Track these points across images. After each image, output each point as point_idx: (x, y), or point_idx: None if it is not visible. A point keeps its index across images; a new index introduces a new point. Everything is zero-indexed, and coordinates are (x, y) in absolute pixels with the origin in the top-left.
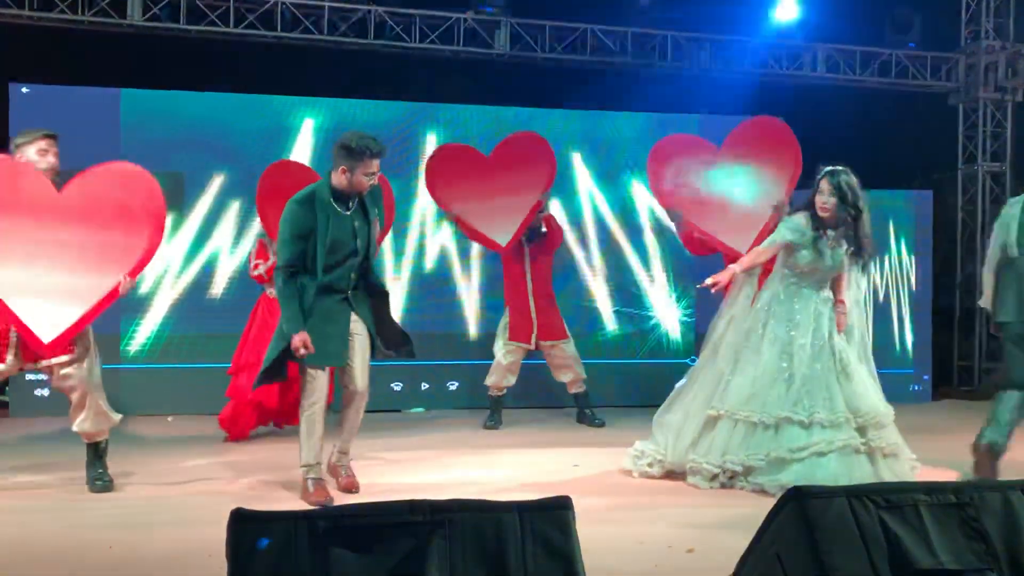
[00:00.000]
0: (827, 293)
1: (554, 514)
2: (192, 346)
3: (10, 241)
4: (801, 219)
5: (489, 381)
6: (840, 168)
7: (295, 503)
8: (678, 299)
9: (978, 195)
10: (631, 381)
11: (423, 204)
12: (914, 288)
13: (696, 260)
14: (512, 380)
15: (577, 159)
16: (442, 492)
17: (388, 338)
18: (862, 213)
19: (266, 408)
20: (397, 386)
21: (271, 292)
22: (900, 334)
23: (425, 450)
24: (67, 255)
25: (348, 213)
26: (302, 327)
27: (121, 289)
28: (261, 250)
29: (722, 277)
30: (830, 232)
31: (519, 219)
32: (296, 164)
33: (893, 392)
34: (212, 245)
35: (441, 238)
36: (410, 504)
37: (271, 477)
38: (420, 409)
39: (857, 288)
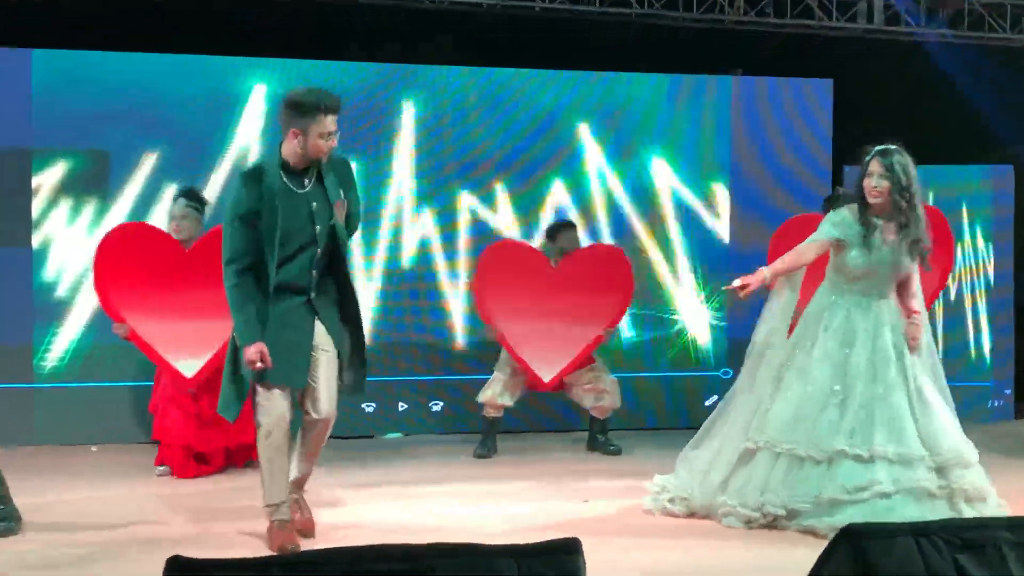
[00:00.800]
0: (891, 301)
1: (559, 560)
2: (121, 360)
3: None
4: (846, 212)
5: (483, 397)
6: (892, 147)
7: (247, 548)
8: (708, 299)
9: None
10: (651, 399)
11: (399, 185)
12: (992, 283)
13: (731, 252)
14: (512, 399)
15: (584, 132)
16: (422, 535)
17: (351, 368)
18: (916, 199)
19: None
20: (369, 407)
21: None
22: (976, 339)
23: (402, 484)
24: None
25: (303, 192)
26: (258, 337)
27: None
28: None
29: (752, 280)
30: (882, 224)
31: (572, 354)
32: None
33: (968, 409)
34: None
35: (421, 227)
36: (380, 550)
37: (220, 516)
38: (397, 434)
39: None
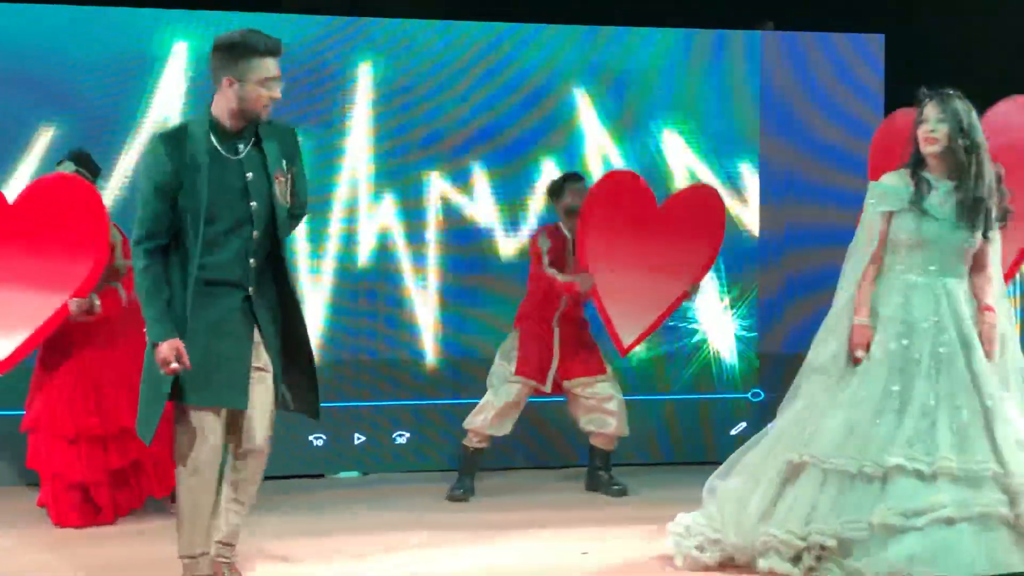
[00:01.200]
0: (960, 282)
1: None
2: None
3: None
4: (892, 177)
5: (472, 424)
6: (951, 91)
7: None
8: (733, 304)
9: None
10: (665, 427)
11: (353, 166)
12: None
13: (762, 246)
14: (506, 429)
15: (582, 99)
16: None
17: (295, 384)
18: (981, 149)
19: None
20: (319, 439)
21: (75, 306)
22: None
23: (360, 533)
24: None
25: (237, 158)
26: (172, 333)
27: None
28: None
29: (860, 343)
30: (941, 184)
31: (655, 315)
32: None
33: None
34: None
35: (382, 217)
36: None
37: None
38: (353, 473)
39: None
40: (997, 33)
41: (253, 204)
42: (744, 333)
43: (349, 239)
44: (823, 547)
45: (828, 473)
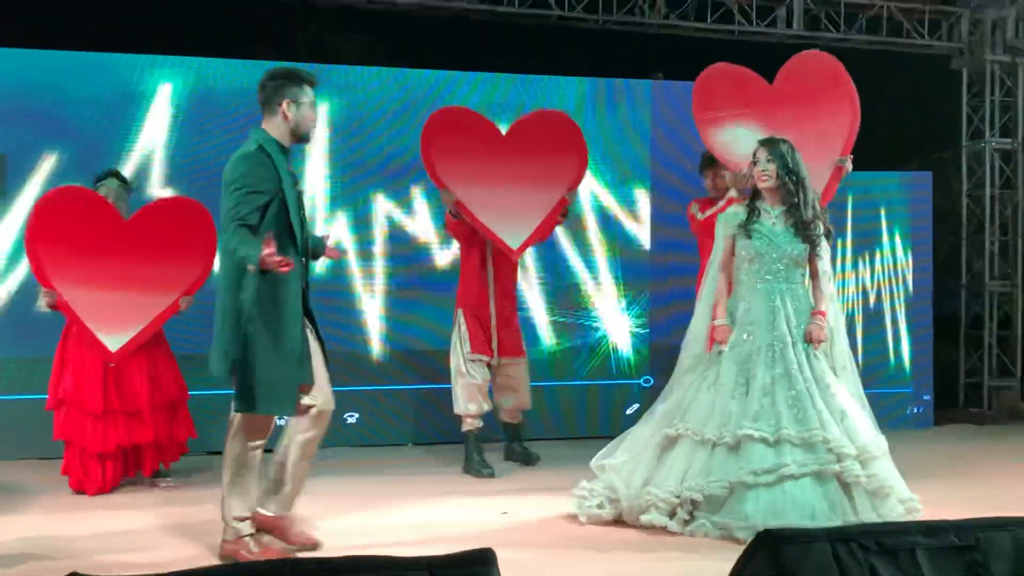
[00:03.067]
0: (794, 287)
1: (473, 571)
2: (16, 373)
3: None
4: (736, 207)
5: (468, 409)
6: (778, 137)
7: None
8: (629, 306)
9: (985, 177)
10: (572, 407)
11: (311, 187)
12: (911, 290)
13: (653, 258)
14: (487, 404)
15: None
16: (336, 550)
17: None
18: (805, 181)
19: (137, 446)
20: (280, 421)
21: (185, 303)
22: (895, 346)
23: (315, 499)
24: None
25: (293, 172)
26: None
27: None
28: None
29: (722, 337)
30: (772, 210)
31: (536, 220)
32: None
33: (888, 415)
34: None
35: (335, 232)
36: (293, 563)
37: (133, 532)
38: None
39: (829, 281)
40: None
41: (303, 213)
42: (638, 330)
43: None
44: (694, 502)
45: (697, 443)
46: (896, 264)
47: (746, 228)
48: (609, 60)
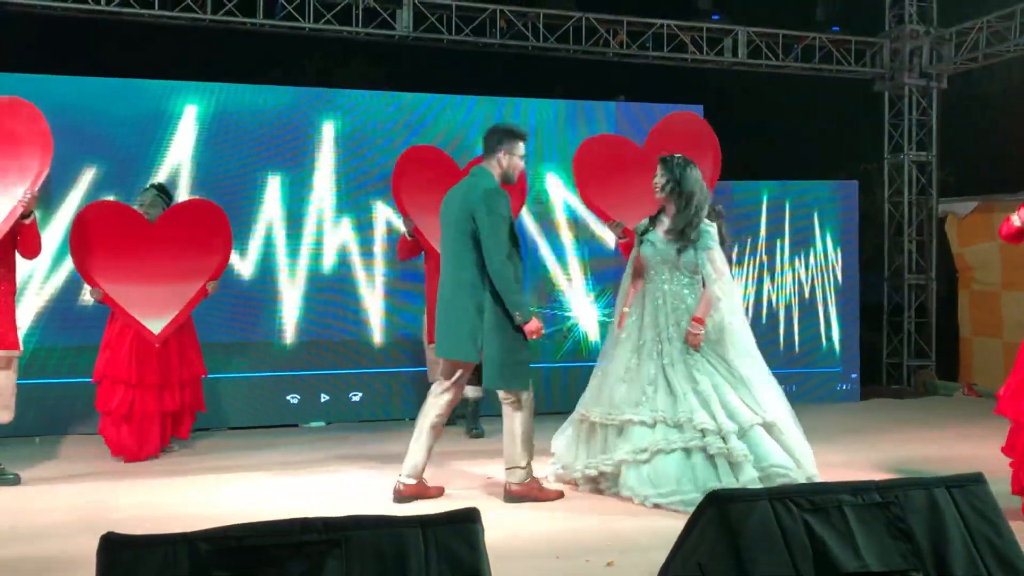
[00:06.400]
0: (676, 288)
1: (461, 528)
2: (61, 360)
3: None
4: (643, 220)
5: (475, 394)
6: (677, 156)
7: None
8: (596, 298)
9: (904, 186)
10: (547, 387)
11: (320, 197)
12: (840, 283)
13: (618, 256)
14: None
15: None
16: (341, 511)
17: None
18: (690, 194)
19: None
20: (294, 398)
21: (211, 287)
22: (827, 331)
23: (325, 466)
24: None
25: None
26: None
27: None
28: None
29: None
30: (665, 220)
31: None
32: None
33: (820, 392)
34: None
35: (340, 235)
36: (302, 522)
37: (162, 496)
38: (320, 423)
39: (717, 283)
40: (787, 101)
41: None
42: (605, 319)
43: (317, 251)
44: (601, 473)
45: (595, 425)
46: (827, 261)
47: (641, 236)
48: (577, 85)
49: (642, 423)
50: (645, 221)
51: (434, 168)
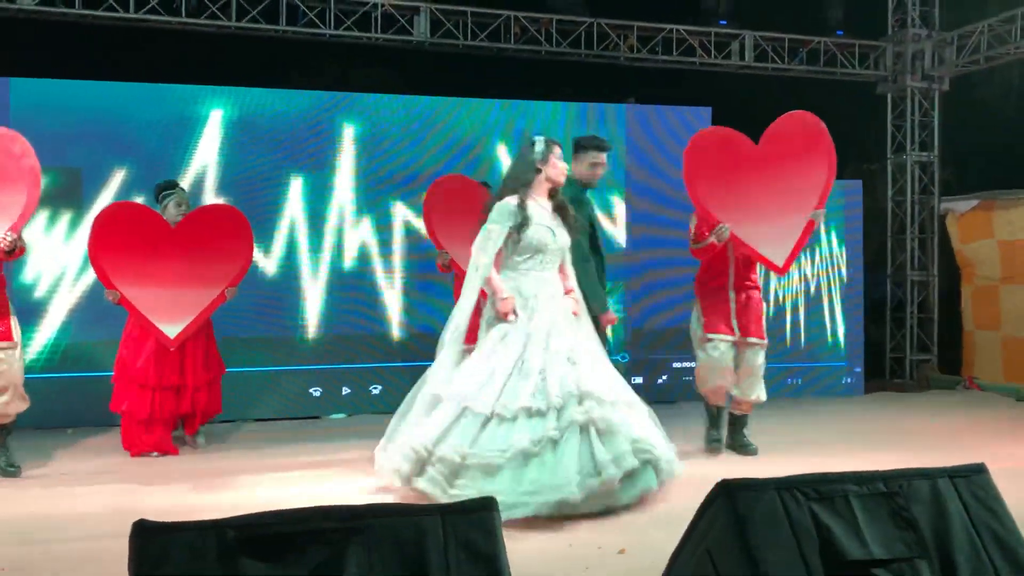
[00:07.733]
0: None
1: (478, 516)
2: (93, 354)
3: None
4: (511, 202)
5: None
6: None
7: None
8: (609, 293)
9: (907, 185)
10: None
11: (341, 197)
12: (845, 280)
13: (628, 254)
14: None
15: (503, 152)
16: (362, 500)
17: None
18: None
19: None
20: (316, 391)
21: (230, 293)
22: (832, 327)
23: (346, 456)
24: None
25: None
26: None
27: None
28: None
29: (508, 307)
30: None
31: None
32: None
33: (825, 385)
34: None
35: (360, 234)
36: (324, 510)
37: (190, 486)
38: (341, 415)
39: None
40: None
41: None
42: (618, 314)
43: (338, 248)
44: (454, 465)
45: (465, 409)
46: (832, 258)
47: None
48: (589, 87)
49: (539, 412)
50: (512, 206)
51: (460, 196)
